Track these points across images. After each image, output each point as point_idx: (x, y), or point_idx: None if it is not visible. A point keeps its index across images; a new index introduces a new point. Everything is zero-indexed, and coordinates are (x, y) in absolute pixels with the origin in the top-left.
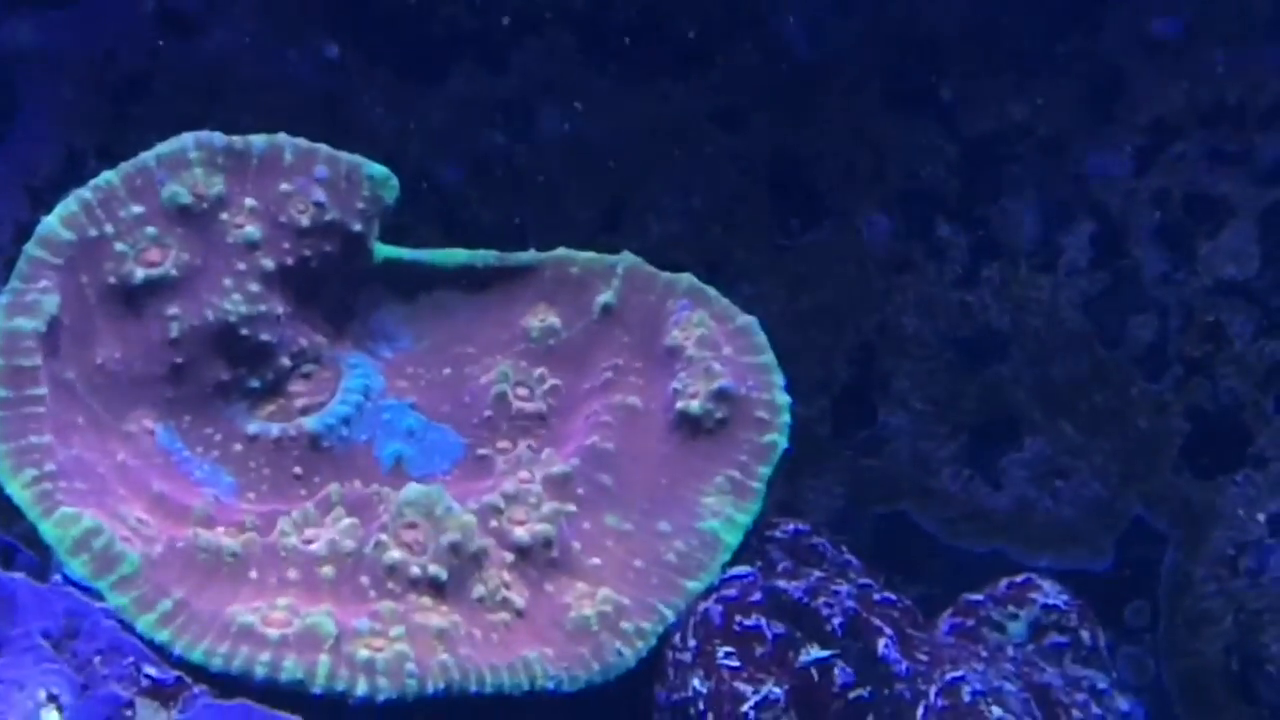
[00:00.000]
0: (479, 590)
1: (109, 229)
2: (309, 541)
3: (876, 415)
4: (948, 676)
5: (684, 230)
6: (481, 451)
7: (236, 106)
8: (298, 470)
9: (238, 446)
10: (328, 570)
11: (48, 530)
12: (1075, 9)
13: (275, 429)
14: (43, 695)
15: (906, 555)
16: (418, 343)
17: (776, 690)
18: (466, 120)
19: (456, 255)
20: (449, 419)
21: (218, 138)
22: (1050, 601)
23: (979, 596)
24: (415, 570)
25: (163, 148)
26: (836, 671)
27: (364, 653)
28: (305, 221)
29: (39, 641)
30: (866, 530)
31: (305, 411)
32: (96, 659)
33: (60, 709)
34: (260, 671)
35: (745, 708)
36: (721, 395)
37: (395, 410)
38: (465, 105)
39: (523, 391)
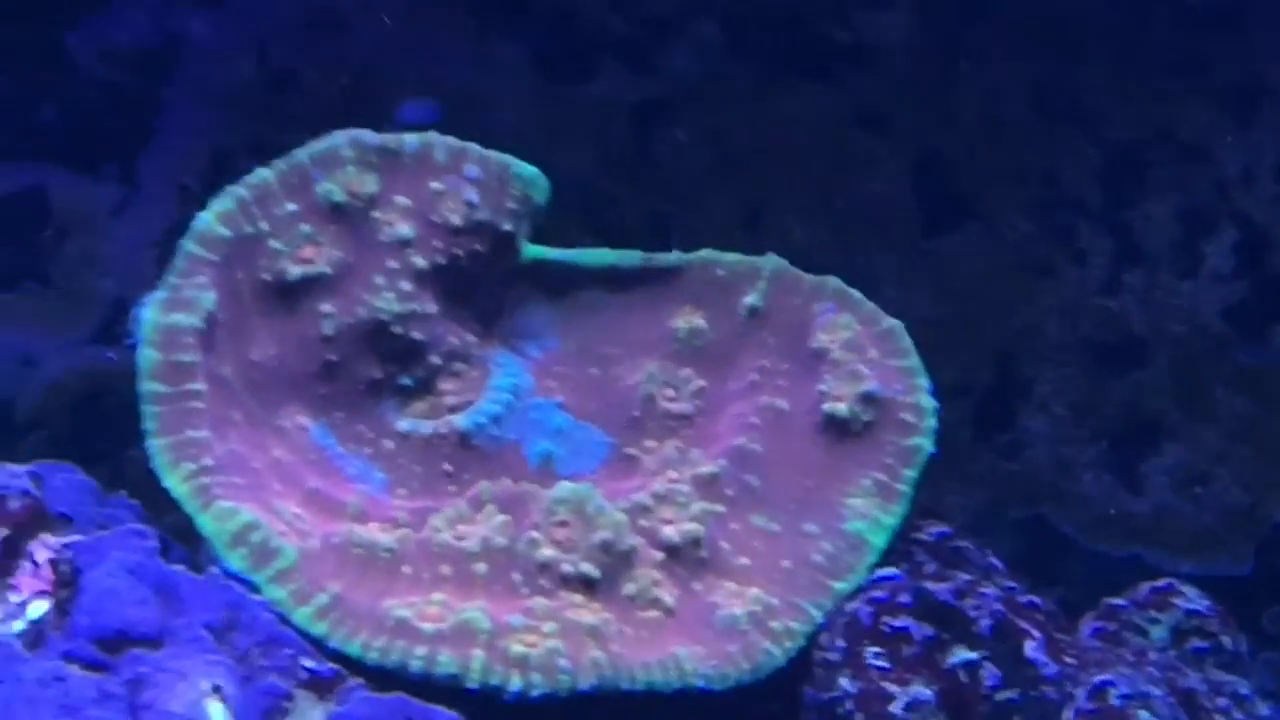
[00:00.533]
0: (629, 588)
1: (264, 226)
2: (461, 538)
3: (1017, 419)
4: (1095, 679)
5: (826, 232)
6: (629, 451)
7: (383, 104)
8: (448, 467)
9: (389, 443)
10: (480, 566)
11: (206, 524)
12: (1218, 13)
13: (426, 426)
14: (207, 686)
15: (1046, 559)
16: (565, 342)
17: (925, 691)
18: (611, 120)
19: (603, 256)
20: (596, 418)
21: (371, 136)
22: (1192, 606)
23: (1121, 601)
24: (567, 567)
25: (317, 146)
26: (984, 673)
27: (518, 648)
28: (457, 220)
29: (202, 633)
30: (1006, 534)
31: (455, 410)
32: (256, 651)
33: (223, 700)
34: (416, 665)
35: (894, 708)
36: (868, 398)
37: (543, 409)
38: (610, 105)
39: (670, 392)
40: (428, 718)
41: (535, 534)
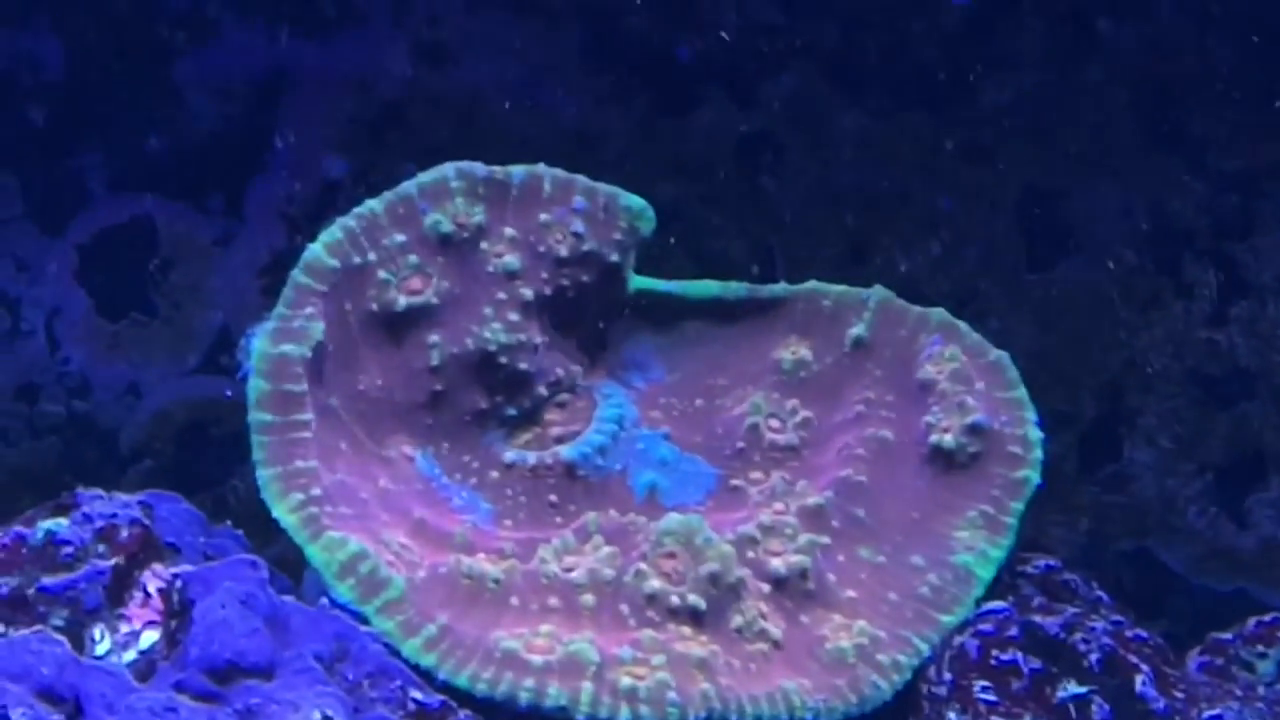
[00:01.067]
0: (737, 620)
1: (372, 257)
2: (569, 569)
3: (1122, 451)
4: (1205, 715)
5: (931, 264)
6: (735, 482)
7: (489, 136)
8: (553, 498)
9: (494, 474)
10: (588, 598)
11: (314, 554)
12: None
13: (532, 457)
14: (318, 716)
15: (1151, 593)
16: (670, 373)
17: None
18: (715, 152)
19: (708, 287)
20: (701, 449)
21: (479, 167)
22: None
23: (1228, 635)
24: (675, 600)
25: (424, 177)
26: (1094, 708)
27: (627, 680)
28: (563, 251)
29: (312, 664)
30: (1110, 566)
31: (560, 440)
32: (365, 682)
33: None
34: (524, 697)
35: None
36: (975, 430)
37: (649, 440)
38: (714, 137)
39: (775, 423)
40: None
41: (643, 565)
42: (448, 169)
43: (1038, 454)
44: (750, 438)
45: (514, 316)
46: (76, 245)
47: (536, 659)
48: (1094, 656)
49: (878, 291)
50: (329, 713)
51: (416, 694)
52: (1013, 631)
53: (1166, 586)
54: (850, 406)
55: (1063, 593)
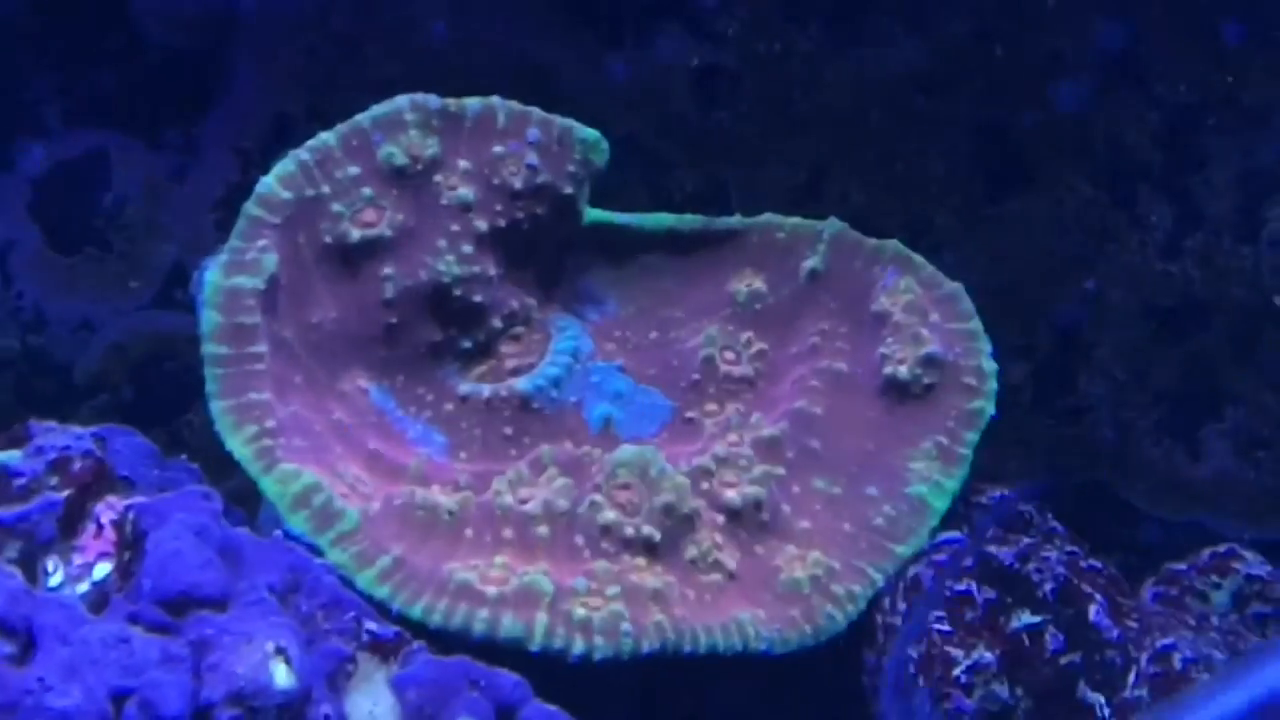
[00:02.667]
0: (691, 552)
1: (326, 189)
2: (523, 501)
3: (1077, 383)
4: (1159, 643)
5: (886, 197)
6: (689, 414)
7: (444, 70)
8: (508, 430)
9: (449, 406)
10: (543, 530)
11: (268, 486)
12: None
13: (486, 389)
14: (271, 648)
15: (1105, 524)
16: (624, 306)
17: (988, 655)
18: (671, 85)
19: (662, 220)
20: (656, 382)
21: (433, 100)
22: (1253, 571)
23: (1182, 566)
24: (630, 531)
25: (378, 109)
26: (1048, 637)
27: (581, 611)
28: (518, 184)
29: (266, 595)
30: (1066, 498)
31: (515, 373)
32: (319, 613)
33: (288, 661)
34: (479, 628)
35: (956, 672)
36: (929, 361)
37: (604, 372)
38: (670, 70)
39: (730, 355)
40: (491, 680)
41: (597, 497)
42: (402, 101)
43: (992, 385)
44: (705, 370)
45: (468, 249)
46: (30, 179)
47: (491, 590)
48: (1048, 586)
49: (832, 224)
50: (282, 644)
51: (371, 625)
52: (967, 562)
53: (1121, 518)
54: (805, 338)
55: (1018, 523)
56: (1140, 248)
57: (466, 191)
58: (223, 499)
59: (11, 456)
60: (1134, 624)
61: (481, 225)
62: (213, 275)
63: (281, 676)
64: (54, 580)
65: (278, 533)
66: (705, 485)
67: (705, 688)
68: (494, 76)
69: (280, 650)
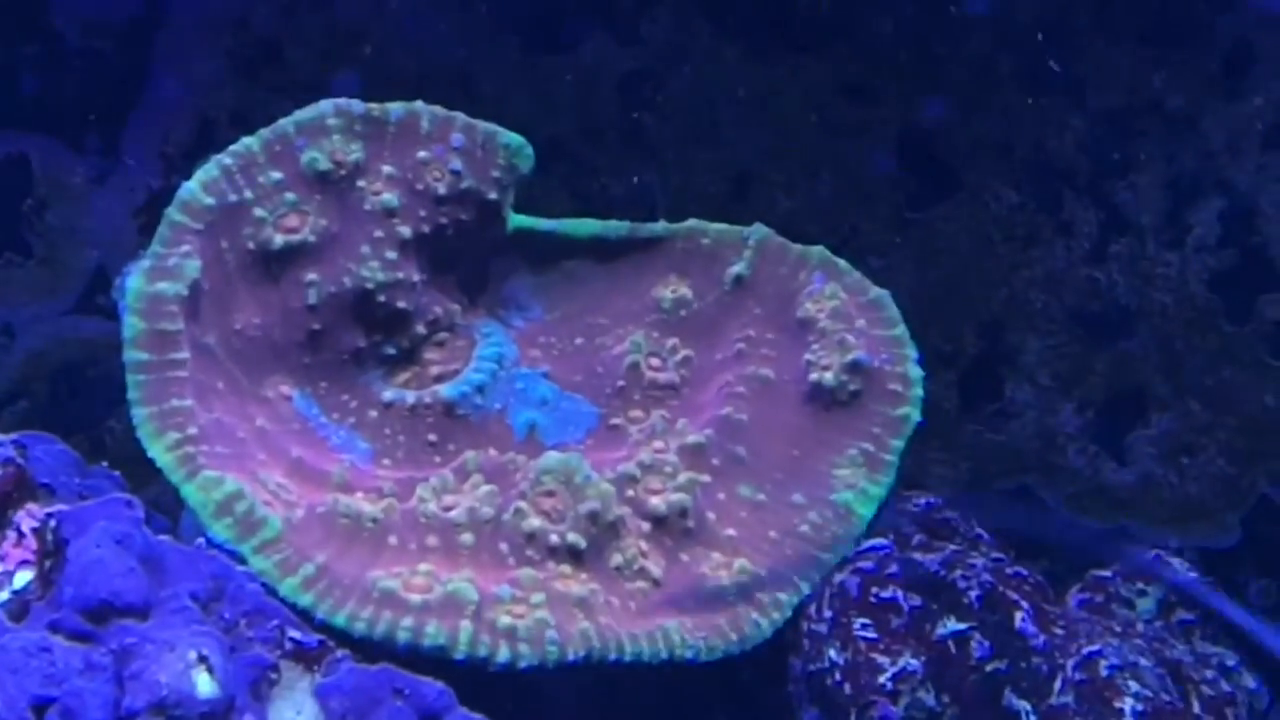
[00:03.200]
0: (616, 559)
1: (248, 194)
2: (447, 508)
3: (1003, 390)
4: (1085, 650)
5: (812, 203)
6: (614, 421)
7: (368, 73)
8: (432, 437)
9: (373, 413)
10: (467, 537)
11: (190, 493)
12: None
13: (410, 396)
14: (193, 656)
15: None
16: (549, 312)
17: (914, 662)
18: (595, 90)
19: (588, 226)
20: (581, 388)
21: (356, 104)
22: (1179, 578)
23: (1107, 573)
24: (554, 538)
25: (301, 114)
26: (974, 644)
27: (505, 619)
28: (442, 189)
29: (188, 604)
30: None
31: (439, 379)
32: (242, 621)
33: (210, 670)
34: (403, 637)
35: (882, 679)
36: (855, 368)
37: (528, 379)
38: (594, 74)
39: (655, 362)
40: (415, 689)
41: (522, 504)
42: (325, 106)
43: (918, 391)
44: (630, 376)
45: (392, 255)
46: None
47: (415, 598)
48: (974, 594)
49: (758, 229)
50: (205, 652)
51: (294, 633)
52: (892, 569)
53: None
54: (731, 345)
55: (943, 530)
56: (1066, 253)
57: (390, 197)
58: (145, 506)
59: None
60: (1060, 631)
61: (405, 231)
62: (135, 281)
63: (204, 685)
64: None
65: (200, 540)
66: (630, 492)
67: (633, 695)
68: (418, 81)
69: (203, 659)
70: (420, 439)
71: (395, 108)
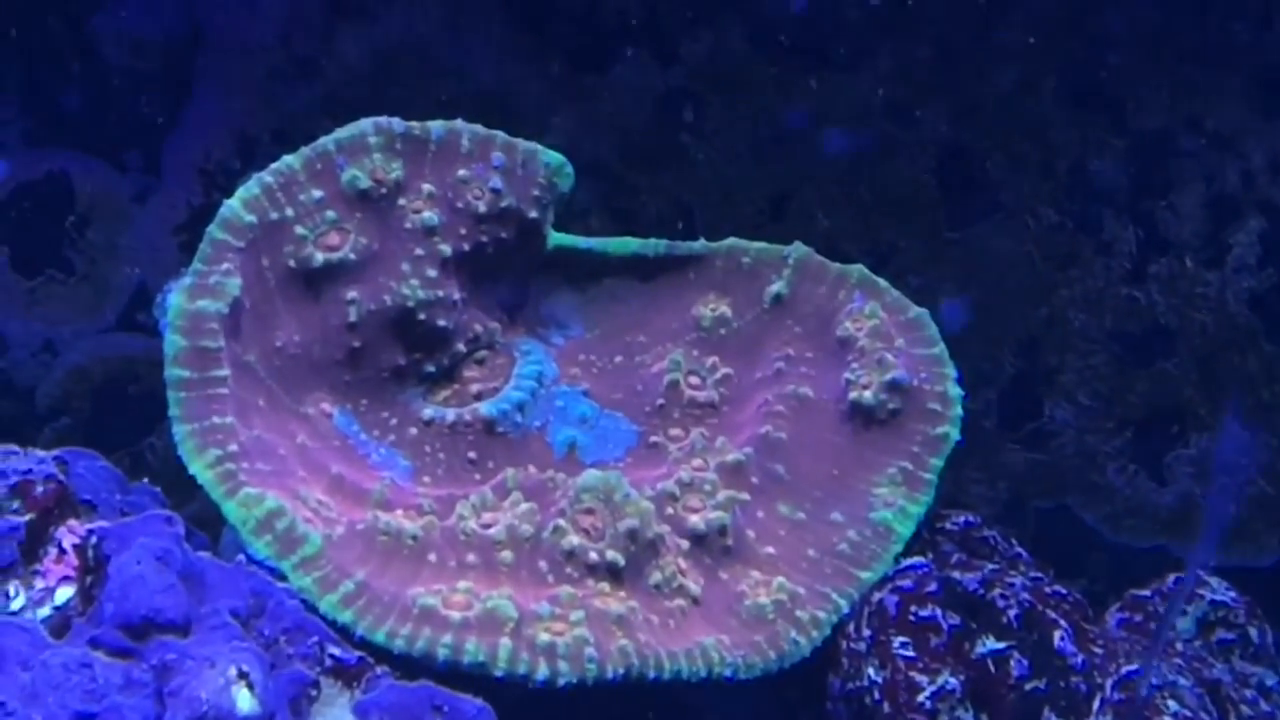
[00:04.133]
0: (655, 577)
1: (289, 212)
2: (487, 526)
3: (1042, 409)
4: (1123, 670)
5: (851, 221)
6: (654, 439)
7: (408, 93)
8: (472, 455)
9: (413, 431)
10: (506, 554)
11: (231, 510)
12: (1245, 4)
13: (450, 414)
14: (234, 672)
15: (1070, 550)
16: (589, 330)
17: (953, 681)
18: (635, 109)
19: (628, 244)
20: (621, 406)
21: (397, 123)
22: (1218, 598)
23: (1146, 592)
24: (594, 556)
25: (342, 132)
26: (1013, 663)
27: (545, 636)
28: (482, 208)
29: (229, 620)
30: (1030, 524)
31: (479, 397)
32: (282, 638)
33: (250, 686)
34: (442, 654)
35: (921, 698)
36: (894, 386)
37: (568, 397)
38: (634, 94)
39: (695, 380)
40: (454, 706)
41: (561, 521)
42: (366, 124)
43: (957, 411)
44: (670, 394)
45: (432, 273)
46: None
47: (454, 615)
48: (1013, 612)
49: (798, 248)
50: (245, 668)
51: (334, 650)
52: (932, 587)
53: (1086, 543)
54: (770, 363)
55: (982, 549)
56: (1105, 273)
57: (431, 215)
58: (185, 523)
59: None
60: (1099, 650)
61: (446, 249)
62: (176, 298)
63: (244, 701)
64: (15, 604)
65: (240, 557)
66: (670, 510)
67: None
68: (458, 100)
69: (243, 675)
70: (460, 456)
71: (436, 126)
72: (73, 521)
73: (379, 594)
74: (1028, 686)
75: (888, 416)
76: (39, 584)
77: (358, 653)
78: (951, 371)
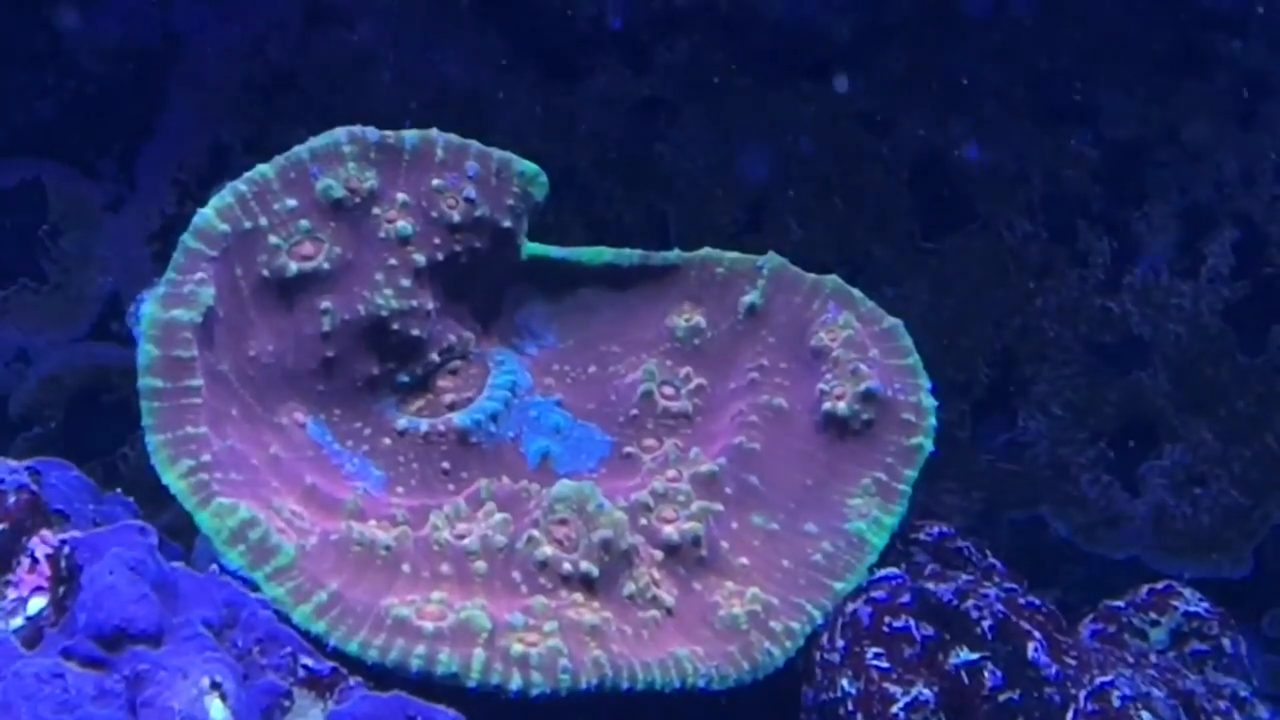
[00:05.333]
0: (629, 587)
1: (263, 221)
2: (460, 536)
3: (1016, 419)
4: (1097, 681)
5: (826, 231)
6: (628, 450)
7: (382, 101)
8: (446, 465)
9: (387, 441)
10: (480, 565)
11: (204, 520)
12: (1222, 13)
13: (424, 424)
14: (206, 683)
15: (1044, 561)
16: (563, 340)
17: (926, 692)
18: (609, 118)
19: (602, 254)
20: (595, 417)
21: (371, 132)
22: (1192, 609)
23: (1120, 603)
24: (567, 566)
25: (316, 141)
26: (986, 674)
27: (518, 647)
28: (456, 217)
29: (201, 630)
30: (1003, 535)
31: (453, 407)
32: (255, 649)
33: (223, 697)
34: (415, 664)
35: (895, 709)
36: (868, 397)
37: (542, 407)
38: (608, 104)
39: (668, 390)
40: (428, 716)
41: (535, 532)
42: (340, 133)
43: (931, 421)
44: (644, 405)
45: (406, 282)
46: None
47: (428, 626)
48: (986, 623)
49: (772, 258)
50: (218, 679)
51: (307, 661)
52: (905, 598)
53: (1059, 554)
54: (744, 374)
55: (956, 560)
56: (1079, 283)
57: (405, 224)
58: (158, 533)
59: None
60: (1072, 661)
61: (420, 258)
62: (149, 308)
63: (217, 712)
64: None
65: (214, 567)
66: (643, 521)
67: None
68: (433, 109)
69: (216, 685)
70: (434, 467)
71: (410, 135)
72: (45, 532)
73: (352, 604)
74: (1001, 698)
75: (862, 427)
76: (11, 594)
77: (331, 663)
78: (925, 382)
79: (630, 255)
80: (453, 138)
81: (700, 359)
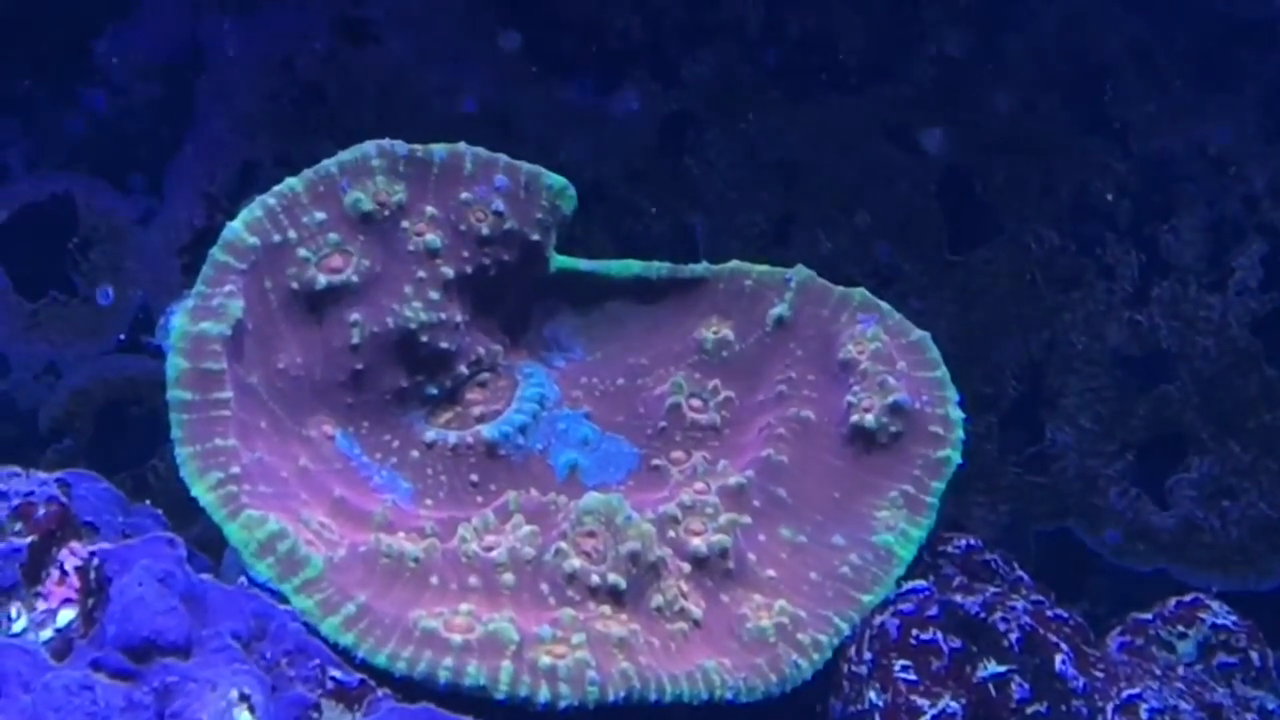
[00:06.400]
0: (657, 600)
1: (292, 235)
2: (489, 548)
3: (1044, 432)
4: (1125, 694)
5: (853, 244)
6: (656, 462)
7: (411, 115)
8: (474, 478)
9: (415, 453)
10: (508, 577)
11: (233, 533)
12: (1249, 25)
13: (452, 436)
14: (235, 695)
15: (1071, 573)
16: (591, 353)
17: (954, 704)
18: (638, 132)
19: (630, 267)
20: (623, 429)
21: (400, 145)
22: (1219, 621)
23: (1148, 616)
24: (595, 578)
25: (345, 155)
26: (1014, 687)
27: (546, 659)
28: (485, 230)
29: (230, 642)
30: (1031, 547)
31: (481, 419)
32: (283, 661)
33: (252, 709)
34: (444, 676)
35: None
36: (896, 409)
37: (570, 420)
38: (637, 117)
39: (696, 403)
40: None
41: (563, 544)
42: (369, 147)
43: (959, 434)
44: (672, 417)
45: (435, 295)
46: None
47: (456, 638)
48: (1014, 636)
49: (800, 271)
50: (246, 691)
51: (335, 673)
52: (933, 611)
53: (1087, 567)
54: (772, 386)
55: (983, 572)
56: (1107, 296)
57: (434, 237)
58: (187, 545)
59: None
60: (1100, 674)
61: (448, 271)
62: (179, 321)
63: None
64: (17, 626)
65: (242, 579)
66: (671, 533)
67: None
68: (461, 122)
69: (244, 697)
70: (462, 479)
71: (439, 149)
72: (75, 543)
73: (381, 616)
74: (1029, 710)
75: (889, 440)
76: (41, 606)
77: (359, 675)
78: (953, 394)
79: (659, 268)
80: (481, 151)
81: (728, 371)
